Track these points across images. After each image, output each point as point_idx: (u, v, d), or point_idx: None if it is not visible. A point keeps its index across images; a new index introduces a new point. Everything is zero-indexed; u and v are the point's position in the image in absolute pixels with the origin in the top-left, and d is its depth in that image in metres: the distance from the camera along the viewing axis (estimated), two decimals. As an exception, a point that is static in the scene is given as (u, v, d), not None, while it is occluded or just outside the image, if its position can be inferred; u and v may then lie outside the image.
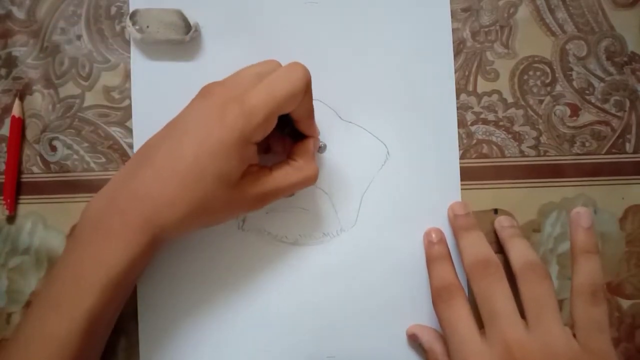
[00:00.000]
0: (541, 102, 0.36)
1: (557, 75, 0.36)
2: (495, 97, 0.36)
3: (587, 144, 0.36)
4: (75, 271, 0.28)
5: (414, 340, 0.34)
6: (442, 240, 0.34)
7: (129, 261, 0.28)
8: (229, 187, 0.29)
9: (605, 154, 0.36)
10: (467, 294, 0.31)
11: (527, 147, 0.36)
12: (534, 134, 0.36)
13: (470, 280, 0.31)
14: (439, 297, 0.31)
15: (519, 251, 0.32)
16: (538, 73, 0.36)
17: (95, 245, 0.28)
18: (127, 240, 0.28)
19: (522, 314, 0.29)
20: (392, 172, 0.36)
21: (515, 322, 0.29)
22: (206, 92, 0.30)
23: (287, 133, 0.33)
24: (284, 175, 0.31)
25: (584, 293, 0.29)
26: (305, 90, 0.30)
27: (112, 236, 0.28)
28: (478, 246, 0.32)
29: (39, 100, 0.36)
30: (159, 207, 0.28)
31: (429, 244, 0.34)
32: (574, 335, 0.29)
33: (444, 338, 0.33)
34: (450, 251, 0.34)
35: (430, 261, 0.34)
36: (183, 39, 0.35)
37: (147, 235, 0.28)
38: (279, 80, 0.29)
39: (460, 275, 0.32)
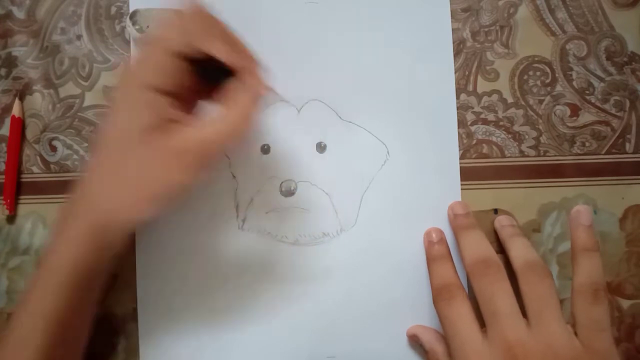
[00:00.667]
0: (541, 102, 0.36)
1: (557, 75, 0.36)
2: (495, 97, 0.36)
3: (587, 144, 0.36)
4: (38, 274, 0.29)
5: (414, 340, 0.34)
6: (442, 239, 0.34)
7: (75, 260, 0.28)
8: (146, 137, 0.27)
9: (605, 154, 0.36)
10: (467, 293, 0.31)
11: (527, 147, 0.36)
12: (534, 134, 0.36)
13: (471, 279, 0.31)
14: (439, 296, 0.31)
15: (520, 250, 0.32)
16: (538, 73, 0.36)
17: (50, 247, 0.29)
18: (68, 239, 0.28)
19: (524, 313, 0.29)
20: (392, 172, 0.36)
21: (517, 320, 0.28)
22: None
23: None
24: (209, 123, 0.28)
25: (585, 292, 0.29)
26: (204, 30, 0.28)
27: (59, 235, 0.29)
28: (478, 245, 0.32)
29: (39, 100, 0.36)
30: (90, 187, 0.28)
31: (429, 243, 0.34)
32: (576, 334, 0.29)
33: (444, 338, 0.33)
34: (451, 251, 0.34)
35: (430, 261, 0.34)
36: (183, 39, 0.35)
37: (85, 221, 0.28)
38: (167, 22, 0.28)
39: (460, 275, 0.32)
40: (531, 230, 0.36)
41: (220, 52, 0.28)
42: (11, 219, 0.36)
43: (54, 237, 0.29)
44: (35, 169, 0.36)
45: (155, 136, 0.27)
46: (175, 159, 0.27)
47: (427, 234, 0.35)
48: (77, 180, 0.29)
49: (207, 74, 0.29)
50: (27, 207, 0.36)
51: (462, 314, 0.29)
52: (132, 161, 0.28)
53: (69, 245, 0.28)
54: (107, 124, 0.29)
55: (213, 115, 0.28)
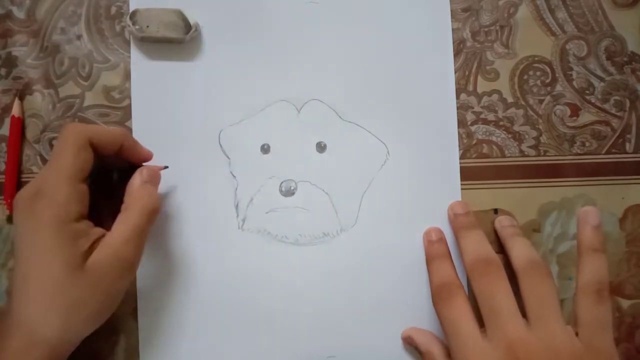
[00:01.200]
0: (541, 102, 0.36)
1: (557, 75, 0.36)
2: (495, 97, 0.36)
3: (587, 143, 0.36)
4: None
5: (409, 343, 0.34)
6: (441, 239, 0.34)
7: None
8: (78, 271, 0.27)
9: (605, 154, 0.36)
10: (467, 293, 0.31)
11: (527, 147, 0.36)
12: (534, 133, 0.36)
13: (471, 279, 0.31)
14: (439, 295, 0.31)
15: (520, 250, 0.32)
16: (538, 73, 0.36)
17: None
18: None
19: (523, 313, 0.29)
20: (392, 172, 0.36)
21: (517, 320, 0.28)
22: (14, 204, 0.29)
23: (121, 179, 0.32)
24: (117, 226, 0.29)
25: (589, 291, 0.29)
26: (79, 140, 0.29)
27: None
28: (478, 245, 0.32)
29: (39, 100, 0.36)
30: (34, 321, 0.27)
31: (428, 243, 0.34)
32: (576, 334, 0.29)
33: (440, 339, 0.33)
34: (450, 251, 0.34)
35: (430, 260, 0.34)
36: (183, 38, 0.35)
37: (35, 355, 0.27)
38: (56, 151, 0.29)
39: (460, 275, 0.32)
40: (531, 230, 0.36)
41: (137, 156, 0.32)
42: (11, 218, 0.36)
43: None
44: (35, 169, 0.36)
45: (86, 260, 0.28)
46: (109, 269, 0.28)
47: (427, 234, 0.35)
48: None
49: (100, 184, 0.31)
50: (27, 207, 0.36)
51: (461, 313, 0.29)
52: (74, 290, 0.27)
53: None
54: (23, 255, 0.28)
55: (118, 217, 0.30)
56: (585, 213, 0.32)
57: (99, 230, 0.30)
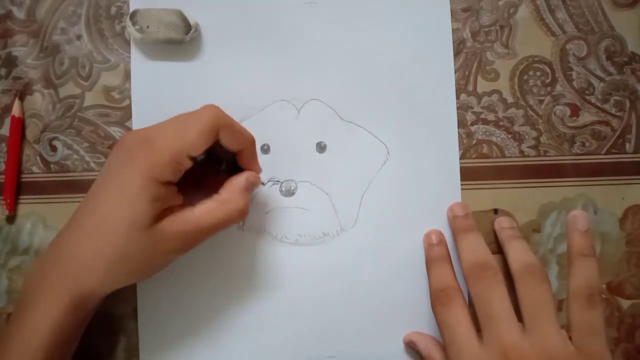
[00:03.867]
0: (541, 102, 0.36)
1: (557, 75, 0.36)
2: (495, 97, 0.36)
3: (587, 144, 0.36)
4: (8, 342, 0.28)
5: (411, 347, 0.34)
6: (442, 241, 0.34)
7: (52, 326, 0.27)
8: (143, 230, 0.28)
9: (605, 154, 0.36)
10: (465, 297, 0.31)
11: (527, 147, 0.36)
12: (534, 134, 0.36)
13: (468, 283, 0.31)
14: (437, 300, 0.31)
15: (518, 253, 0.32)
16: (538, 73, 0.36)
17: (23, 313, 0.28)
18: (47, 304, 0.28)
19: (519, 316, 0.29)
20: (392, 172, 0.36)
21: (512, 326, 0.29)
22: (118, 142, 0.30)
23: (224, 170, 0.33)
24: (205, 210, 0.30)
25: (580, 296, 0.30)
26: (217, 127, 0.29)
27: (36, 302, 0.28)
28: (476, 249, 0.32)
29: (39, 100, 0.36)
30: (80, 266, 0.28)
31: (428, 245, 0.34)
32: (570, 338, 0.29)
33: (441, 344, 0.33)
34: (451, 252, 0.34)
35: (429, 263, 0.34)
36: (183, 39, 0.35)
37: (68, 295, 0.28)
38: (187, 120, 0.29)
39: (459, 277, 0.32)
40: (531, 230, 0.36)
41: (252, 164, 0.32)
42: (11, 219, 0.36)
43: (21, 303, 0.29)
44: (35, 169, 0.36)
45: (155, 223, 0.28)
46: (177, 242, 0.29)
47: (427, 236, 0.35)
48: (56, 240, 0.30)
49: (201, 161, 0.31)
50: (27, 207, 0.36)
51: (459, 318, 0.30)
52: (131, 246, 0.28)
53: (48, 312, 0.28)
54: (101, 192, 0.29)
55: (208, 202, 0.30)
56: (573, 218, 0.32)
57: (178, 198, 0.30)
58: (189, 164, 0.29)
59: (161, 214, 0.29)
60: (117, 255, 0.28)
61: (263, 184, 0.35)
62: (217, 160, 0.32)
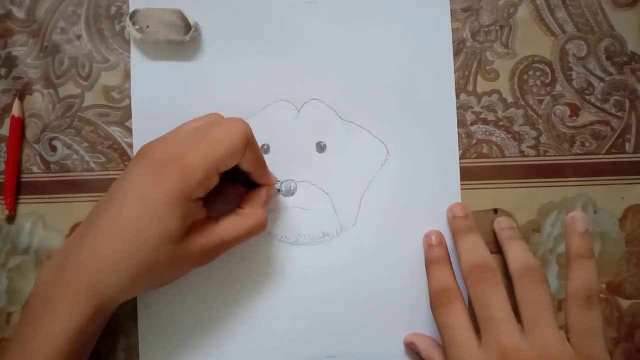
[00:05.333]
0: (541, 102, 0.36)
1: (557, 75, 0.36)
2: (495, 97, 0.36)
3: (587, 144, 0.36)
4: (25, 346, 0.28)
5: (412, 349, 0.34)
6: (442, 243, 0.34)
7: (75, 332, 0.27)
8: (172, 245, 0.28)
9: (605, 154, 0.36)
10: (465, 298, 0.31)
11: (527, 147, 0.36)
12: (534, 134, 0.36)
13: (467, 285, 0.31)
14: (437, 301, 0.31)
15: (517, 255, 0.32)
16: (538, 73, 0.36)
17: (42, 318, 0.28)
18: (71, 310, 0.28)
19: (518, 317, 0.29)
20: (392, 172, 0.36)
21: (511, 328, 0.29)
22: (145, 152, 0.30)
23: (242, 183, 0.33)
24: (230, 224, 0.31)
25: (579, 298, 0.30)
26: (246, 146, 0.30)
27: (58, 308, 0.28)
28: (476, 250, 0.32)
29: (39, 100, 0.36)
30: (103, 273, 0.28)
31: (428, 246, 0.34)
32: (569, 340, 0.29)
33: (442, 346, 0.33)
34: (451, 253, 0.34)
35: (429, 264, 0.34)
36: (183, 39, 0.35)
37: (93, 304, 0.28)
38: (218, 137, 0.29)
39: (459, 279, 0.32)
40: (531, 231, 0.36)
41: (266, 179, 0.33)
42: (11, 219, 0.36)
43: (38, 307, 0.28)
44: (35, 169, 0.36)
45: (185, 238, 0.29)
46: (201, 254, 0.30)
47: (427, 237, 0.35)
48: (73, 244, 0.29)
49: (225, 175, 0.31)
50: (27, 207, 0.36)
51: (459, 320, 0.30)
52: (159, 259, 0.28)
53: (71, 319, 0.28)
54: (126, 201, 0.28)
55: (232, 216, 0.31)
56: (572, 220, 0.32)
57: (203, 212, 0.30)
58: (217, 180, 0.30)
59: (189, 229, 0.29)
60: (144, 267, 0.28)
61: (279, 190, 0.35)
62: (232, 171, 0.32)
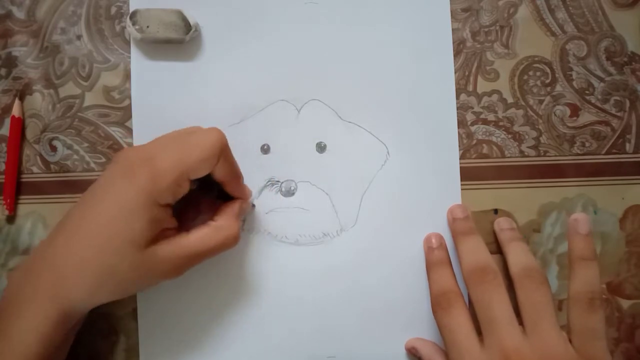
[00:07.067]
0: (541, 102, 0.36)
1: (557, 75, 0.36)
2: (495, 97, 0.36)
3: (587, 144, 0.36)
4: None
5: (413, 354, 0.34)
6: (442, 245, 0.34)
7: (38, 335, 0.27)
8: (136, 250, 0.28)
9: (605, 154, 0.36)
10: (466, 300, 0.31)
11: (527, 147, 0.36)
12: (534, 134, 0.36)
13: (468, 286, 0.31)
14: (438, 304, 0.31)
15: (517, 256, 0.32)
16: (538, 73, 0.36)
17: (9, 320, 0.28)
18: (35, 313, 0.27)
19: (519, 319, 0.29)
20: (392, 172, 0.36)
21: (513, 329, 0.29)
22: (119, 155, 0.30)
23: (217, 196, 0.33)
24: (200, 236, 0.30)
25: (581, 300, 0.30)
26: (220, 155, 0.29)
27: (23, 308, 0.27)
28: (476, 252, 0.32)
29: (39, 100, 0.36)
30: (68, 274, 0.27)
31: (428, 249, 0.34)
32: (571, 341, 0.29)
33: (443, 351, 0.33)
34: (451, 254, 0.34)
35: (429, 267, 0.34)
36: (183, 39, 0.35)
37: (56, 307, 0.27)
38: (191, 144, 0.29)
39: (459, 281, 0.32)
40: (531, 231, 0.36)
41: (240, 192, 0.32)
42: (11, 219, 0.36)
43: (5, 308, 0.28)
44: (35, 169, 0.36)
45: (150, 245, 0.28)
46: (169, 266, 0.29)
47: (427, 240, 0.35)
48: (44, 244, 0.29)
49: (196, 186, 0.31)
50: (27, 207, 0.36)
51: (460, 322, 0.30)
52: (122, 263, 0.28)
53: (35, 324, 0.27)
54: (96, 203, 0.28)
55: (204, 228, 0.30)
56: (575, 222, 0.32)
57: (173, 221, 0.30)
58: (188, 187, 0.29)
59: (156, 237, 0.29)
60: (106, 270, 0.28)
61: (253, 205, 0.35)
62: (206, 183, 0.32)
